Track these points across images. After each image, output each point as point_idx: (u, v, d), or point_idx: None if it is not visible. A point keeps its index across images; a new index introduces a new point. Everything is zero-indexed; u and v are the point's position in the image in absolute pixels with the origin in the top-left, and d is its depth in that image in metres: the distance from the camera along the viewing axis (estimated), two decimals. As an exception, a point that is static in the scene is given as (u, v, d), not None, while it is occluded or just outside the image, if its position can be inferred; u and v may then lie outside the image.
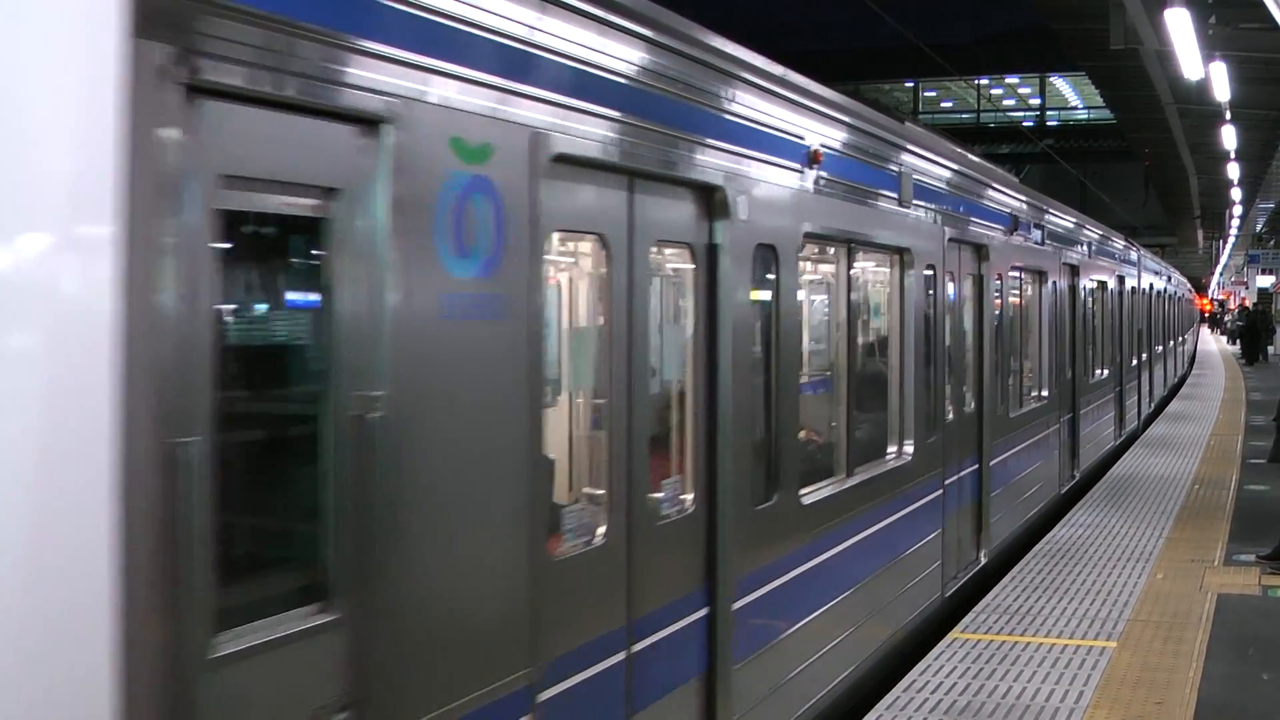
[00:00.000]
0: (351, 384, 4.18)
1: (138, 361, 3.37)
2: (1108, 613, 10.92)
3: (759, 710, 7.22)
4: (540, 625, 5.11)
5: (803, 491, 8.00)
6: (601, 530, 5.80)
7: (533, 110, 5.09)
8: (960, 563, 12.06)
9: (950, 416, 11.69)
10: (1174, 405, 32.05)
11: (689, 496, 6.63)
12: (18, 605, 3.17)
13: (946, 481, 11.40)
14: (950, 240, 11.59)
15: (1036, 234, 16.02)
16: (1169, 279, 38.96)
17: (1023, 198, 15.42)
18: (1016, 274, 15.04)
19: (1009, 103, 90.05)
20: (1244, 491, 17.55)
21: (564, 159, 5.31)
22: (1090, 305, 20.31)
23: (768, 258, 7.49)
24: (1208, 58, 19.91)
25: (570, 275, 6.16)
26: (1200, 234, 78.96)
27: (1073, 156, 67.09)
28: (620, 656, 5.88)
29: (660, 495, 6.40)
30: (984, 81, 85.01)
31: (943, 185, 11.43)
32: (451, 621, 4.64)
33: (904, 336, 10.35)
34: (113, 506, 3.31)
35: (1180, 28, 17.09)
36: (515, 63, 5.01)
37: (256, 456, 4.16)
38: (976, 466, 12.65)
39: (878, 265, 10.42)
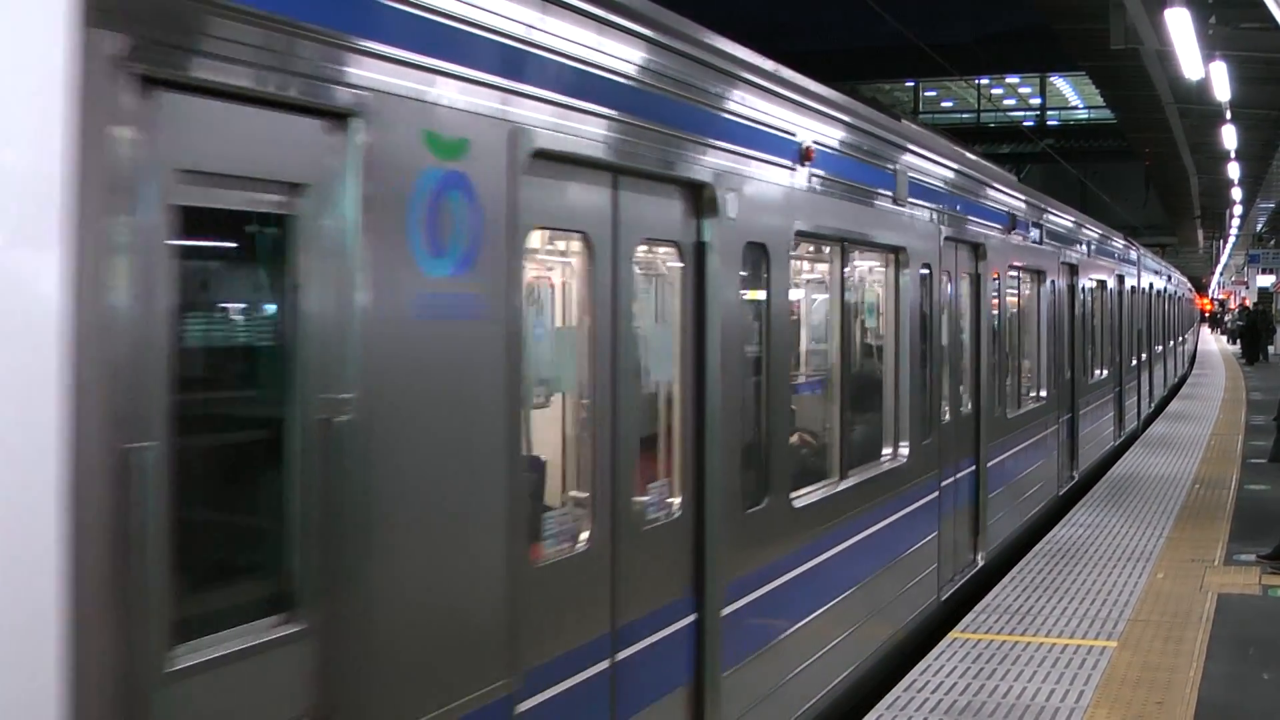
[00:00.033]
0: (319, 386, 4.04)
1: (89, 363, 3.24)
2: (1108, 612, 10.88)
3: (749, 718, 7.08)
4: (520, 633, 4.97)
5: (794, 495, 7.86)
6: (585, 535, 5.66)
7: (511, 104, 4.95)
8: (957, 565, 11.93)
9: (947, 418, 11.56)
10: (1174, 405, 32.03)
11: (676, 500, 6.49)
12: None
13: (943, 483, 11.27)
14: (947, 239, 11.46)
15: (1035, 233, 15.90)
16: (1169, 278, 38.89)
17: (1021, 196, 15.29)
18: (1014, 273, 14.92)
19: (1009, 102, 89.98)
20: (1244, 491, 17.53)
21: (544, 155, 5.17)
22: (1089, 305, 20.21)
23: (758, 256, 7.36)
24: (1208, 57, 19.89)
25: (553, 274, 6.02)
26: (1201, 234, 78.87)
27: (1073, 156, 66.99)
28: (604, 665, 5.75)
29: (646, 499, 6.26)
30: (984, 81, 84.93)
31: (939, 183, 11.30)
32: (425, 631, 4.50)
33: (899, 336, 10.21)
34: (61, 514, 3.18)
35: (1180, 27, 17.03)
36: (493, 55, 4.87)
37: (218, 461, 4.02)
38: (974, 468, 12.52)
39: (872, 264, 10.29)
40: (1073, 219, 19.26)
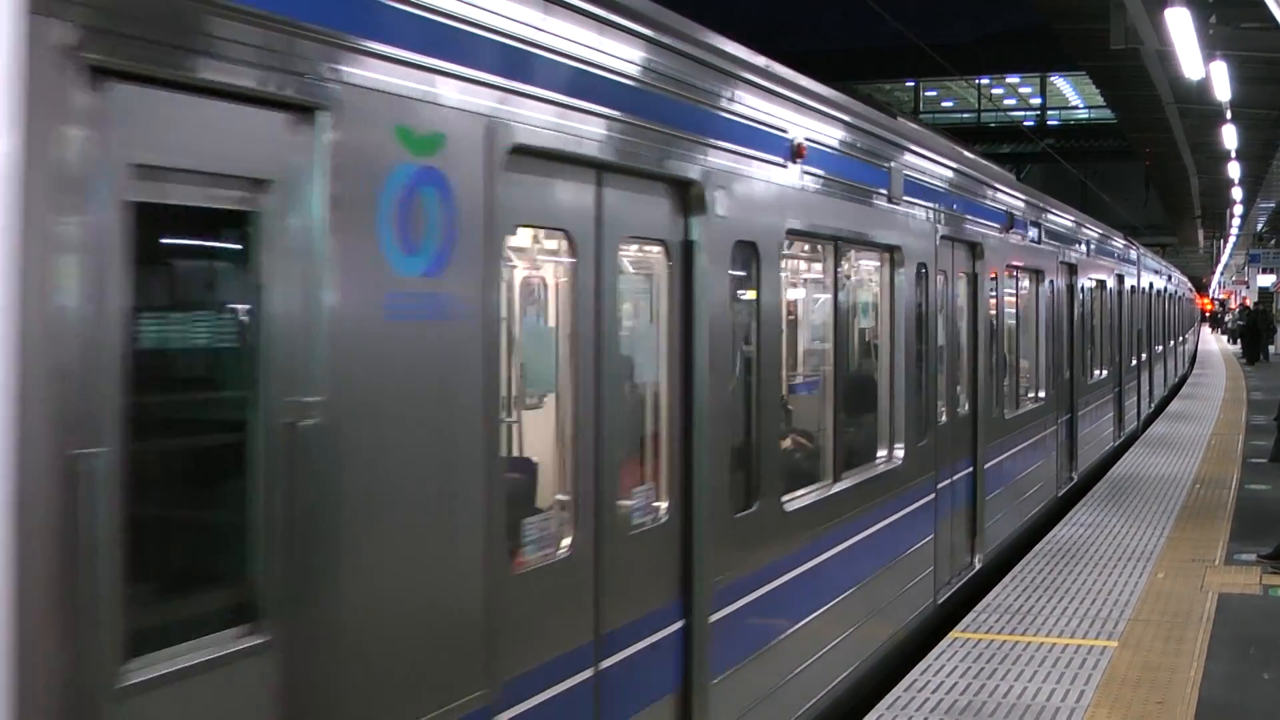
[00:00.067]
0: (284, 389, 3.89)
1: (36, 366, 3.11)
2: (1108, 612, 10.86)
3: None
4: (498, 642, 4.83)
5: (785, 498, 7.72)
6: (567, 541, 5.52)
7: (489, 98, 4.81)
8: (954, 568, 11.80)
9: (943, 419, 11.42)
10: (1175, 405, 32.01)
11: (663, 504, 6.35)
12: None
13: (939, 485, 11.13)
14: (943, 238, 11.32)
15: (1033, 232, 15.77)
16: (1169, 278, 38.79)
17: (1018, 195, 15.16)
18: (1012, 273, 14.78)
19: (1010, 102, 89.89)
20: (1245, 491, 17.53)
21: (524, 151, 5.03)
22: (1089, 305, 20.09)
23: (748, 255, 7.22)
24: (1208, 57, 19.85)
25: (535, 273, 5.88)
26: (1201, 233, 78.77)
27: (1074, 156, 66.92)
28: (587, 674, 5.60)
29: (632, 503, 6.12)
30: (985, 81, 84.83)
31: (935, 181, 11.16)
32: (397, 641, 4.36)
33: (894, 337, 10.07)
34: (5, 522, 3.04)
35: (1181, 27, 16.99)
36: (469, 47, 4.73)
37: (177, 467, 3.88)
38: (971, 470, 12.39)
39: (866, 263, 10.15)
40: (1072, 218, 19.13)
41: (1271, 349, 53.59)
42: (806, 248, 9.14)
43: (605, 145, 5.64)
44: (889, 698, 8.59)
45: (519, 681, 5.04)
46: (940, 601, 11.16)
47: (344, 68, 4.06)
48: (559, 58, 5.32)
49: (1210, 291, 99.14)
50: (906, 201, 10.19)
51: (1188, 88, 26.41)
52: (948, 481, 11.46)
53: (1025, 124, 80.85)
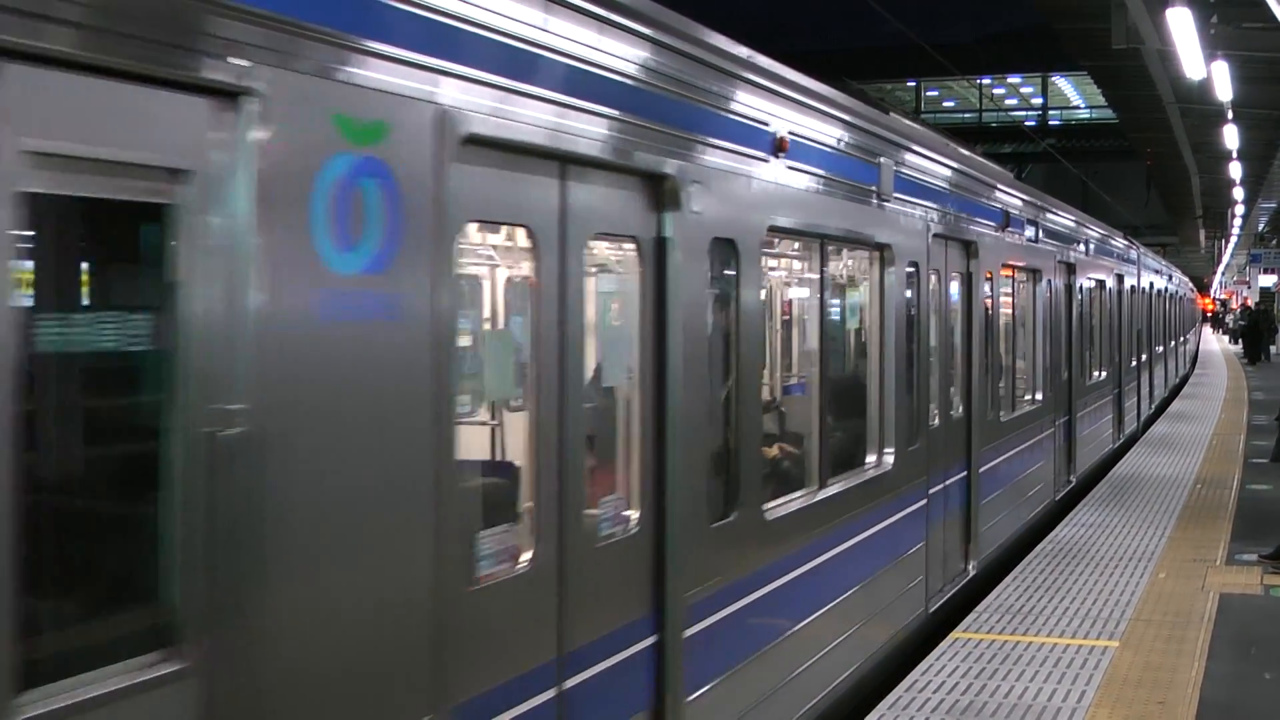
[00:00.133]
0: (203, 396, 3.60)
1: None
2: (1109, 612, 10.83)
3: None
4: (448, 664, 4.54)
5: (766, 506, 7.43)
6: (528, 555, 5.23)
7: (439, 85, 4.51)
8: (946, 575, 11.51)
9: (935, 422, 11.12)
10: (1176, 405, 31.93)
11: (634, 514, 6.05)
12: None
13: (931, 490, 10.84)
14: (935, 236, 11.03)
15: (1031, 231, 15.50)
16: (1170, 278, 38.56)
17: (1015, 194, 14.88)
18: (1008, 272, 14.50)
19: (1011, 102, 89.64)
20: (1246, 491, 17.53)
21: (479, 141, 4.73)
22: (1088, 305, 19.83)
23: (726, 253, 6.92)
24: (1209, 57, 19.73)
25: (493, 271, 5.59)
26: (1202, 233, 78.47)
27: (1075, 156, 66.76)
28: (549, 694, 5.30)
29: (599, 513, 5.82)
30: (986, 81, 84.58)
31: (927, 179, 10.86)
32: (333, 666, 4.06)
33: (884, 337, 9.76)
34: None
35: (1182, 27, 16.88)
36: (416, 29, 4.43)
37: (81, 480, 3.58)
38: (965, 474, 12.10)
39: (854, 262, 9.86)
40: (1070, 217, 18.86)
41: (1273, 349, 53.44)
42: (791, 246, 8.85)
43: (569, 137, 5.35)
44: (890, 697, 8.58)
45: (471, 705, 4.75)
46: (932, 610, 10.87)
47: (272, 49, 3.76)
48: (517, 43, 5.02)
49: (1211, 291, 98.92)
50: (897, 198, 9.89)
51: (1189, 87, 26.26)
52: (940, 486, 11.18)
53: (1027, 124, 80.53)
